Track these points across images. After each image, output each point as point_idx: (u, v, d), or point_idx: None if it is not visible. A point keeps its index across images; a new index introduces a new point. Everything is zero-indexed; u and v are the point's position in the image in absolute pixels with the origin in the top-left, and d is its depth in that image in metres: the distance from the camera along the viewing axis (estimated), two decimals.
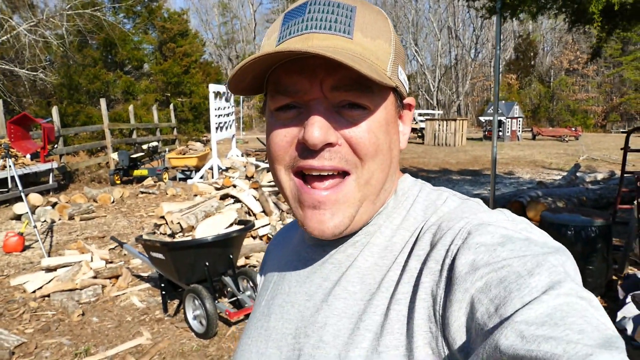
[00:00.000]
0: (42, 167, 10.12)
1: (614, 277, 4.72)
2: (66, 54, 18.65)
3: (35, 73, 15.30)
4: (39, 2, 20.49)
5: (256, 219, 5.45)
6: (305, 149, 0.58)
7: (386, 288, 0.58)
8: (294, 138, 0.60)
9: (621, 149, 6.91)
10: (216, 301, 3.92)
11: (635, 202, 3.09)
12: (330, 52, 0.52)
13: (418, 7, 51.65)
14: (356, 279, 0.62)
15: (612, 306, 4.08)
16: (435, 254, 0.55)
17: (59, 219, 7.89)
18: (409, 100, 0.68)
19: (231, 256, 4.08)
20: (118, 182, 11.62)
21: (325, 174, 0.59)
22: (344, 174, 0.60)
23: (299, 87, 0.58)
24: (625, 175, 6.62)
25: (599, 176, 10.22)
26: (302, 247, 0.73)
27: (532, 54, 46.56)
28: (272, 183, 6.13)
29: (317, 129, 0.56)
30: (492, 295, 0.46)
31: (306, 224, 0.61)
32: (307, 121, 0.57)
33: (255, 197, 5.73)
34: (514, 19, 5.55)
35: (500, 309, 0.44)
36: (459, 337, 0.48)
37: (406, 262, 0.59)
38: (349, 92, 0.57)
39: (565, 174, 10.99)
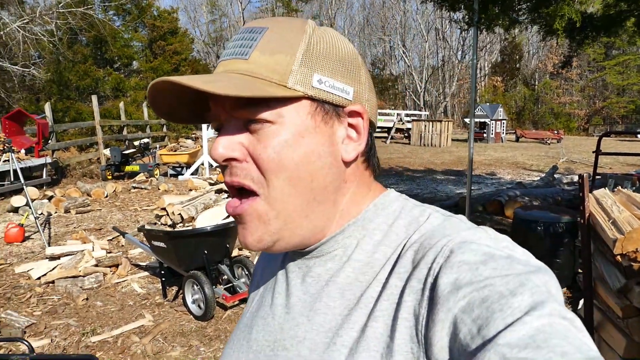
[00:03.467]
0: (36, 162, 10.32)
1: (579, 270, 5.13)
2: (57, 50, 18.74)
3: (27, 69, 15.39)
4: None
5: None
6: (224, 166, 0.62)
7: (365, 304, 0.59)
8: None
9: (593, 152, 7.36)
10: (213, 286, 4.24)
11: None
12: (204, 78, 0.56)
13: (406, 8, 52.25)
14: (336, 294, 0.62)
15: (577, 295, 4.49)
16: (417, 273, 0.55)
17: (55, 212, 8.13)
18: (353, 107, 0.63)
19: (228, 245, 4.41)
20: (110, 177, 11.81)
21: (237, 188, 0.62)
22: (254, 193, 0.61)
23: (214, 110, 0.62)
24: (597, 177, 7.06)
25: (576, 178, 10.70)
26: (285, 260, 0.72)
27: (517, 57, 47.41)
28: None
29: (218, 144, 0.59)
30: (475, 316, 0.46)
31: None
32: None
33: None
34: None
35: (483, 329, 0.44)
36: (441, 357, 0.48)
37: (387, 279, 0.59)
38: (244, 109, 0.59)
39: (544, 175, 11.46)
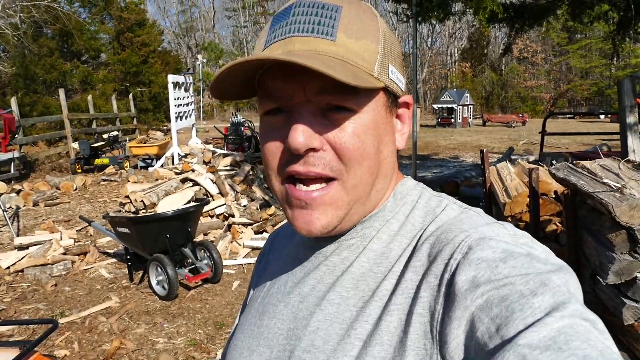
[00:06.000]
0: (3, 156, 10.33)
1: None
2: (21, 44, 18.49)
3: None
4: None
5: (213, 199, 6.04)
6: (292, 154, 0.58)
7: (380, 297, 0.58)
8: (282, 143, 0.59)
9: (539, 132, 7.84)
10: (176, 267, 4.52)
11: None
12: (304, 58, 0.52)
13: None
14: (350, 284, 0.62)
15: None
16: (434, 268, 0.54)
17: (24, 205, 8.23)
18: (405, 98, 0.67)
19: (189, 229, 4.67)
20: (79, 170, 11.84)
21: (313, 177, 0.59)
22: (330, 179, 0.59)
23: (284, 92, 0.57)
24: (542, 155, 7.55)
25: (531, 158, 11.24)
26: (299, 247, 0.72)
27: (484, 42, 48.19)
28: (228, 167, 6.71)
29: (300, 133, 0.55)
30: (494, 314, 0.45)
31: (294, 224, 0.62)
32: (291, 126, 0.56)
33: (212, 180, 6.31)
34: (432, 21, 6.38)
35: (502, 329, 0.43)
36: (457, 355, 0.48)
37: (402, 272, 0.58)
38: (332, 95, 0.56)
39: (500, 157, 11.98)
